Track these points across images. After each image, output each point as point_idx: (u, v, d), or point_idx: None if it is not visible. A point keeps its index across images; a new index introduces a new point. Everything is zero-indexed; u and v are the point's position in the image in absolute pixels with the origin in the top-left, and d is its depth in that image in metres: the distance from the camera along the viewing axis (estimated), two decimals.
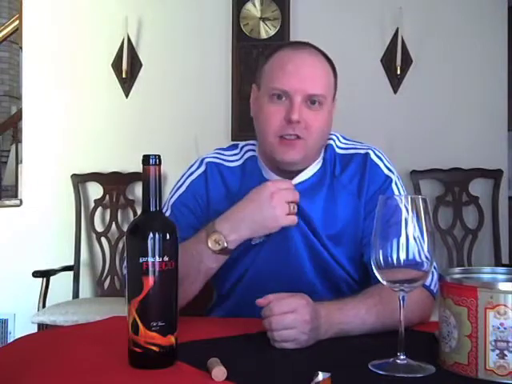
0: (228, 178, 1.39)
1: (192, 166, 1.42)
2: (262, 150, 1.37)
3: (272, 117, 1.28)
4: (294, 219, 1.23)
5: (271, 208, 1.20)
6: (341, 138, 1.42)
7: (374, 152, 1.37)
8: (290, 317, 1.03)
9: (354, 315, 1.13)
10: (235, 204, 1.24)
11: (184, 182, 1.40)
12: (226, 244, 1.20)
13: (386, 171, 1.36)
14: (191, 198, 1.37)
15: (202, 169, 1.40)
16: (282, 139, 1.28)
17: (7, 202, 3.61)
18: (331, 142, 1.40)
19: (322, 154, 1.38)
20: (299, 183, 1.33)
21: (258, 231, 1.23)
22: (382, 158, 1.38)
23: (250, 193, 1.24)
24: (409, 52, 3.25)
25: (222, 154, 1.43)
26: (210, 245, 1.20)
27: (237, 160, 1.41)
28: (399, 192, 1.35)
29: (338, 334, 1.11)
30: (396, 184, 1.35)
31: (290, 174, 1.33)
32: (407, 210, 0.91)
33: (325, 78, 1.31)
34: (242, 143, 1.45)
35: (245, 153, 1.42)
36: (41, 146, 3.46)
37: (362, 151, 1.38)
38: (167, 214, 1.36)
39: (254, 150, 1.41)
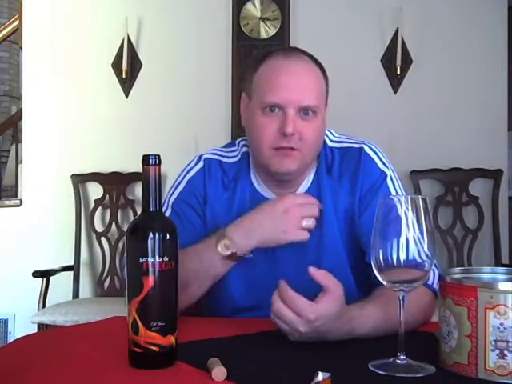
0: (228, 173, 1.38)
1: (190, 163, 1.42)
2: (255, 160, 1.35)
3: (266, 129, 1.26)
4: (304, 235, 1.22)
5: (283, 222, 1.20)
6: (333, 132, 1.40)
7: (369, 146, 1.35)
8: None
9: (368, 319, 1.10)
10: (249, 213, 1.25)
11: (182, 179, 1.39)
12: (235, 250, 1.20)
13: (380, 166, 1.32)
14: (191, 195, 1.36)
15: (201, 165, 1.39)
16: (277, 150, 1.26)
17: (7, 202, 3.60)
18: (324, 137, 1.37)
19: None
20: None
21: (266, 242, 1.23)
22: (377, 152, 1.35)
23: (266, 203, 1.25)
24: (409, 52, 3.25)
25: (220, 151, 1.42)
26: (219, 249, 1.20)
27: (235, 156, 1.40)
28: (394, 187, 1.32)
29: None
30: (391, 179, 1.32)
31: (281, 181, 1.32)
32: (407, 210, 0.91)
33: (318, 88, 1.28)
34: (238, 139, 1.43)
35: (241, 147, 1.41)
36: (41, 146, 3.45)
37: (356, 145, 1.35)
38: (168, 212, 1.35)
39: (247, 146, 1.39)
